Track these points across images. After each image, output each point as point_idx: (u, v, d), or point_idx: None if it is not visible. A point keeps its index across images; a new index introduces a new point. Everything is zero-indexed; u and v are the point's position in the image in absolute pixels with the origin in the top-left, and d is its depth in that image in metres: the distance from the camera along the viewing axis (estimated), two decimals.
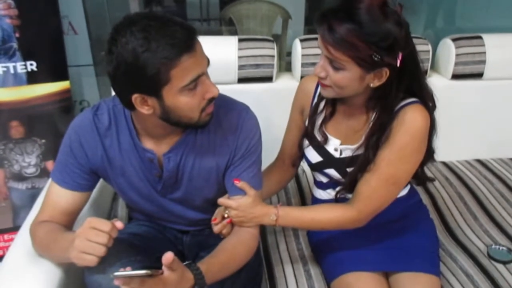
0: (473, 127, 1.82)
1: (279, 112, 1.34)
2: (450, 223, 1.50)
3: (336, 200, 1.21)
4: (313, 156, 1.21)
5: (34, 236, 1.03)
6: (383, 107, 1.07)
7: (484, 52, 1.71)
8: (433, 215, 1.49)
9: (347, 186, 1.16)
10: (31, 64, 1.68)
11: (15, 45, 1.64)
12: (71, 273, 1.06)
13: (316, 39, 1.02)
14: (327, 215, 1.13)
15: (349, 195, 1.16)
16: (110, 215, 1.46)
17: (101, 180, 1.12)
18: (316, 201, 1.30)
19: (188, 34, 0.86)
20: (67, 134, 1.05)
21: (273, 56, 1.61)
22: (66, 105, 1.79)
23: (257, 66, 1.60)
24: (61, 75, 1.76)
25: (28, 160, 1.79)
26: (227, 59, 1.58)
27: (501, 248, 1.37)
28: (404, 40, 0.98)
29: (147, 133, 1.03)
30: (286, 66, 2.33)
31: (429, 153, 1.13)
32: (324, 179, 1.24)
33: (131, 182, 1.08)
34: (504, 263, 1.31)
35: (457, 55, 1.70)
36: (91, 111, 1.04)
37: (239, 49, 1.58)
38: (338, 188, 1.20)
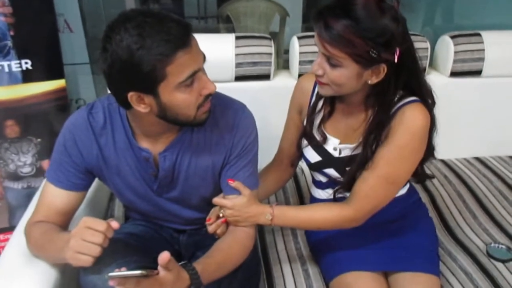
0: (472, 125, 1.82)
1: (277, 111, 1.33)
2: (449, 222, 1.50)
3: (335, 199, 1.20)
4: (312, 155, 1.20)
5: (29, 236, 1.03)
6: (381, 104, 1.06)
7: (483, 50, 1.70)
8: (432, 213, 1.48)
9: (345, 185, 1.15)
10: (26, 63, 1.67)
11: (9, 43, 1.63)
12: (67, 274, 1.06)
13: (313, 36, 1.01)
14: (323, 214, 1.12)
15: (348, 194, 1.15)
16: (106, 215, 1.45)
17: (97, 179, 1.12)
18: (314, 200, 1.30)
19: (183, 30, 0.85)
20: (61, 133, 1.04)
21: (270, 54, 1.60)
22: (62, 104, 1.78)
23: (255, 64, 1.59)
24: (57, 74, 1.75)
25: (23, 160, 1.78)
26: (224, 57, 1.57)
27: (500, 246, 1.36)
28: (402, 35, 0.97)
29: (143, 132, 1.02)
30: (284, 64, 2.32)
31: (429, 150, 1.12)
32: (323, 179, 1.23)
33: (127, 182, 1.07)
34: (504, 261, 1.30)
35: (455, 52, 1.69)
36: (86, 109, 1.04)
37: (236, 46, 1.57)
38: (336, 187, 1.19)
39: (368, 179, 1.07)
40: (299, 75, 1.60)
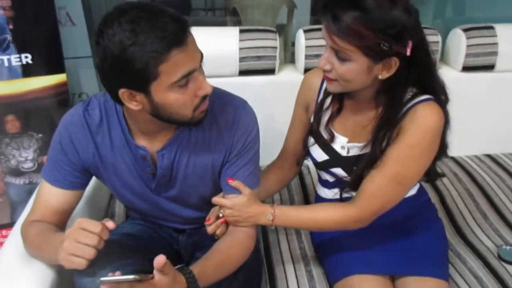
0: (483, 121, 1.77)
1: (282, 106, 1.30)
2: (459, 222, 1.46)
3: (341, 198, 1.17)
4: (319, 154, 1.16)
5: (26, 236, 1.01)
6: (390, 99, 1.02)
7: (496, 43, 1.66)
8: (441, 213, 1.45)
9: (353, 184, 1.11)
10: (26, 57, 1.66)
11: (9, 37, 1.62)
12: (64, 274, 1.04)
13: (320, 29, 0.97)
14: (326, 214, 1.09)
15: (355, 194, 1.11)
16: (107, 213, 1.45)
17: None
18: (320, 199, 1.26)
19: (179, 26, 0.82)
20: (57, 130, 1.02)
21: (275, 47, 1.56)
22: (63, 98, 1.77)
23: (259, 58, 1.55)
24: (57, 68, 1.74)
25: (25, 155, 1.78)
26: (227, 50, 1.53)
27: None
28: (414, 27, 0.93)
29: (139, 130, 0.99)
30: (291, 57, 2.30)
31: (443, 149, 1.08)
32: (330, 178, 1.20)
33: (124, 180, 1.05)
34: None
35: (467, 46, 1.65)
36: (81, 106, 1.01)
37: (240, 40, 1.53)
38: (343, 186, 1.15)
39: (375, 178, 1.03)
40: (305, 70, 1.56)
